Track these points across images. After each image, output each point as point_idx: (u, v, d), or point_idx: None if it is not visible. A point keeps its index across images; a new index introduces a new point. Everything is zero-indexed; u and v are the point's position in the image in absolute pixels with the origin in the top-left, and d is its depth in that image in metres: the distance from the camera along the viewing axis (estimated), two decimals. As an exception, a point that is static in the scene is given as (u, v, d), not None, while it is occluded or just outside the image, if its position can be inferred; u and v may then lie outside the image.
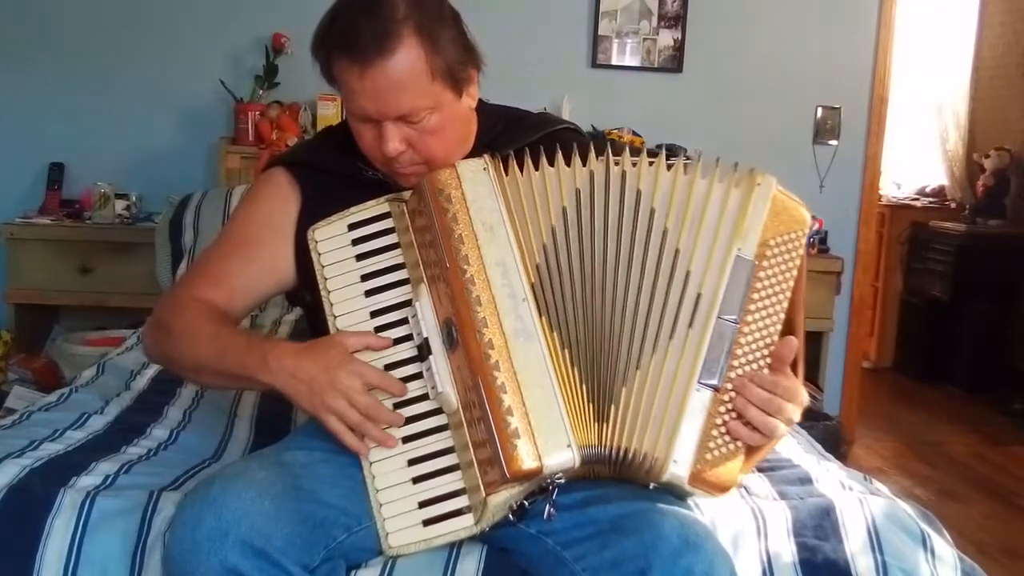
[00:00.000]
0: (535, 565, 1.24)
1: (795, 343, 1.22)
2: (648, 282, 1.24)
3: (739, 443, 1.20)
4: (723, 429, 1.20)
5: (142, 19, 3.48)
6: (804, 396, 1.24)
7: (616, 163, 1.28)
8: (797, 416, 1.23)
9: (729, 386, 1.20)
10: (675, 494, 1.24)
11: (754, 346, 1.22)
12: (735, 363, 1.21)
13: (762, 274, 1.24)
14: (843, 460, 2.31)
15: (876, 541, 1.34)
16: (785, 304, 1.24)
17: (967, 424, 4.22)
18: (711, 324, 1.21)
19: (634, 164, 1.29)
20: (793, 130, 3.77)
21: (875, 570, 1.30)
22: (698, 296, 1.23)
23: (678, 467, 1.18)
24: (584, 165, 1.29)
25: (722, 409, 1.20)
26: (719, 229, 1.25)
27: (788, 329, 1.25)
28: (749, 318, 1.22)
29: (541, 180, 1.29)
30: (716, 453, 1.19)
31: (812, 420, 3.31)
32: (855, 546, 1.33)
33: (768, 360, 1.22)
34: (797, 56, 3.74)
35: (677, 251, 1.25)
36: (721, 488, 1.20)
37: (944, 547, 1.38)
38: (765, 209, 1.26)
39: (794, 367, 1.25)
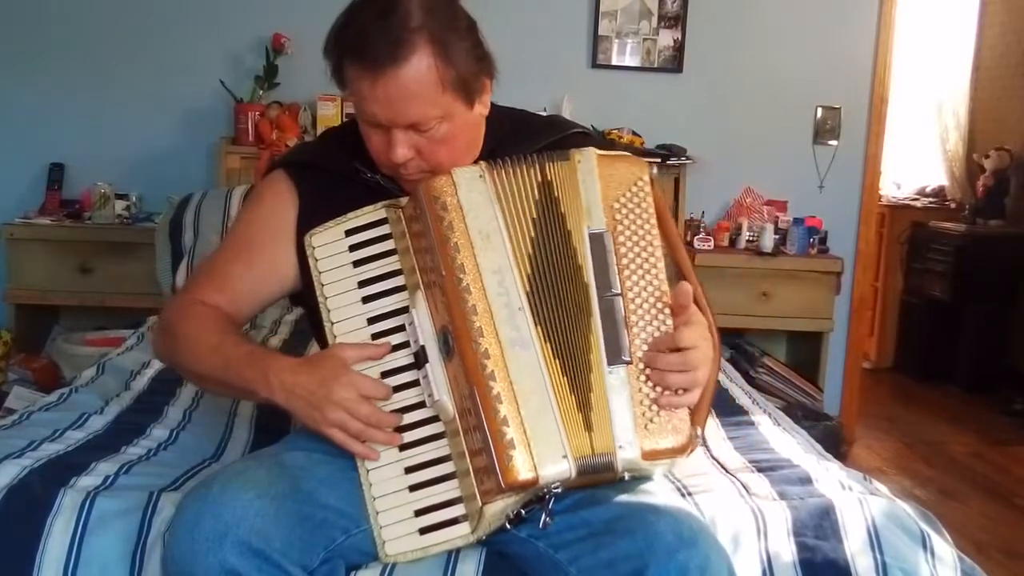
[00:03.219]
0: (531, 568, 1.24)
1: (688, 287, 1.24)
2: (578, 288, 1.25)
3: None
4: (652, 397, 1.21)
5: (142, 19, 3.48)
6: (704, 331, 1.25)
7: (547, 172, 1.29)
8: (710, 348, 1.25)
9: (639, 354, 1.22)
10: (648, 475, 1.25)
11: (646, 306, 1.24)
12: (636, 330, 1.23)
13: (621, 238, 1.27)
14: (843, 460, 2.31)
15: (876, 541, 1.34)
16: (658, 253, 1.27)
17: (967, 424, 4.22)
18: (595, 306, 1.23)
19: (552, 171, 1.30)
20: (793, 130, 3.77)
21: (875, 570, 1.30)
22: (586, 285, 1.25)
23: (625, 451, 1.19)
24: (537, 176, 1.29)
25: (643, 378, 1.22)
26: (573, 215, 1.28)
27: (678, 268, 1.29)
28: (629, 283, 1.25)
29: (521, 189, 1.29)
30: (656, 422, 1.20)
31: (812, 420, 3.31)
32: (855, 546, 1.33)
33: (666, 312, 1.24)
34: (797, 56, 3.74)
35: (575, 250, 1.26)
36: (679, 451, 1.21)
37: (944, 547, 1.38)
38: (594, 180, 1.29)
39: (697, 304, 1.27)
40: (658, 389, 1.21)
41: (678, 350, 1.21)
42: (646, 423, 1.20)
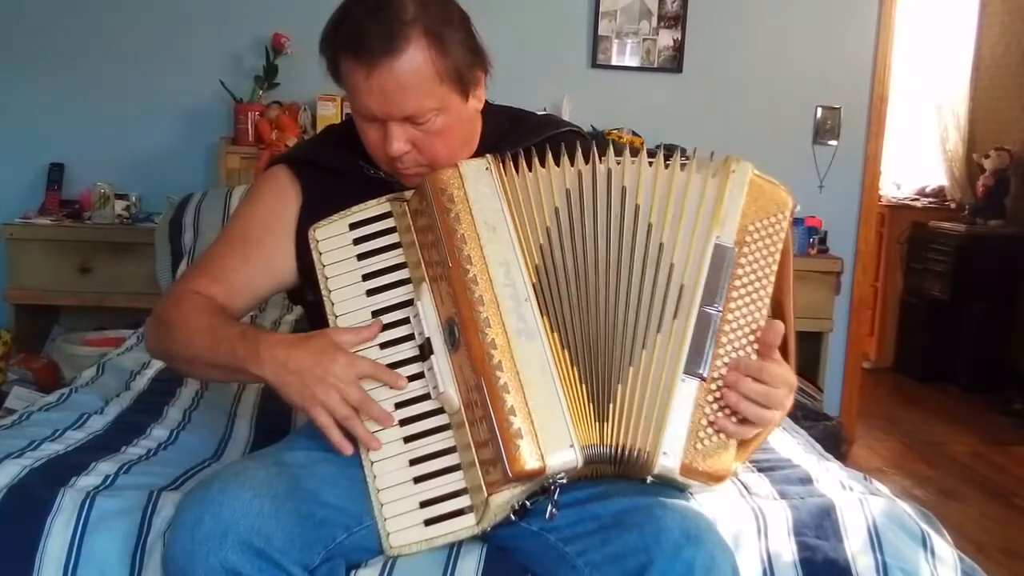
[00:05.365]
0: (536, 562, 1.25)
1: (780, 326, 1.22)
2: (636, 278, 1.25)
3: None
4: (712, 419, 1.20)
5: (142, 19, 3.48)
6: (793, 380, 1.24)
7: (601, 161, 1.29)
8: (789, 402, 1.24)
9: (716, 375, 1.20)
10: (673, 486, 1.24)
11: (739, 332, 1.22)
12: (721, 351, 1.21)
13: (743, 260, 1.25)
14: (843, 460, 2.31)
15: (876, 541, 1.34)
16: (770, 288, 1.25)
17: (967, 424, 4.23)
18: (693, 314, 1.22)
19: (618, 162, 1.29)
20: (793, 130, 3.77)
21: (875, 570, 1.30)
22: (681, 287, 1.23)
23: (668, 459, 1.18)
24: (573, 165, 1.29)
25: (710, 399, 1.20)
26: (698, 218, 1.26)
27: (777, 312, 1.27)
28: (732, 305, 1.23)
29: (536, 180, 1.29)
30: (707, 443, 1.19)
31: (812, 420, 3.31)
32: (855, 546, 1.33)
33: (755, 345, 1.22)
34: (797, 56, 3.74)
35: (661, 245, 1.26)
36: (715, 478, 1.20)
37: (944, 547, 1.38)
38: (742, 195, 1.27)
39: (784, 351, 1.25)
40: (727, 410, 1.19)
41: (762, 382, 1.20)
42: (696, 442, 1.19)
